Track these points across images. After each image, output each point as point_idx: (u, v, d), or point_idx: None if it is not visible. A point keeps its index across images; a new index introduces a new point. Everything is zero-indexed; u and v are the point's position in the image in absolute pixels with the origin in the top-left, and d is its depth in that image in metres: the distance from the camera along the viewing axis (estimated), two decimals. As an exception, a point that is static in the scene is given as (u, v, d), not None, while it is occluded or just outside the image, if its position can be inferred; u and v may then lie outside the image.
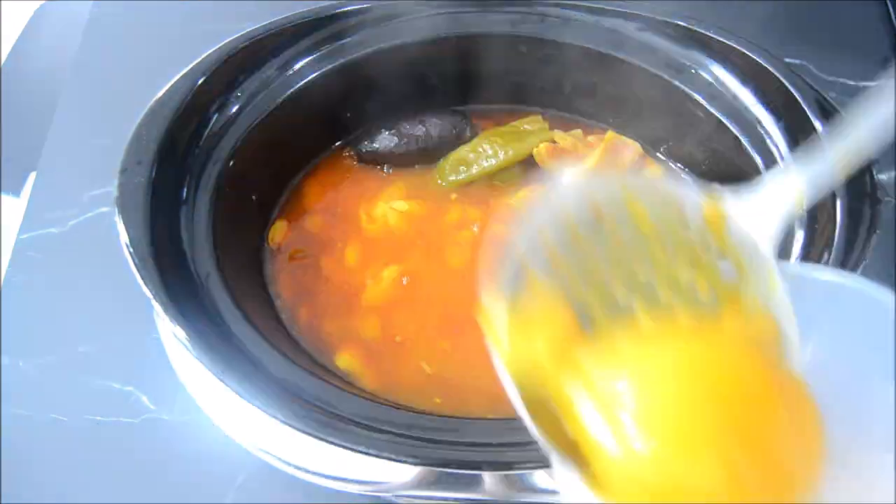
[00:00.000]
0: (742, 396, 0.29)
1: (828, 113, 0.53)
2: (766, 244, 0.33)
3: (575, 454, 0.30)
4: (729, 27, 0.58)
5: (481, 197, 0.65)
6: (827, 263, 0.48)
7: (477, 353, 0.56)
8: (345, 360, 0.56)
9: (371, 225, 0.63)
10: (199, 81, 0.55)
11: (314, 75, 0.61)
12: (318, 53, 0.61)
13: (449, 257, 0.61)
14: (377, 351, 0.57)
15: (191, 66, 0.55)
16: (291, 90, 0.60)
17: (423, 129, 0.66)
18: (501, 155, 0.64)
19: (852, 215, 0.50)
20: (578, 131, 0.67)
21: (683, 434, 0.28)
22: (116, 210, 0.49)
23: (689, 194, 0.34)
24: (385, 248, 0.62)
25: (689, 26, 0.59)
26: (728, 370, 0.29)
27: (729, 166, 0.60)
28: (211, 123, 0.56)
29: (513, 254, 0.34)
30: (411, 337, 0.57)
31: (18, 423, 0.61)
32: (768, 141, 0.57)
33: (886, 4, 0.85)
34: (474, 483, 0.49)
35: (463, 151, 0.65)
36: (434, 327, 0.58)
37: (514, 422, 0.46)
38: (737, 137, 0.58)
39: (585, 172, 0.41)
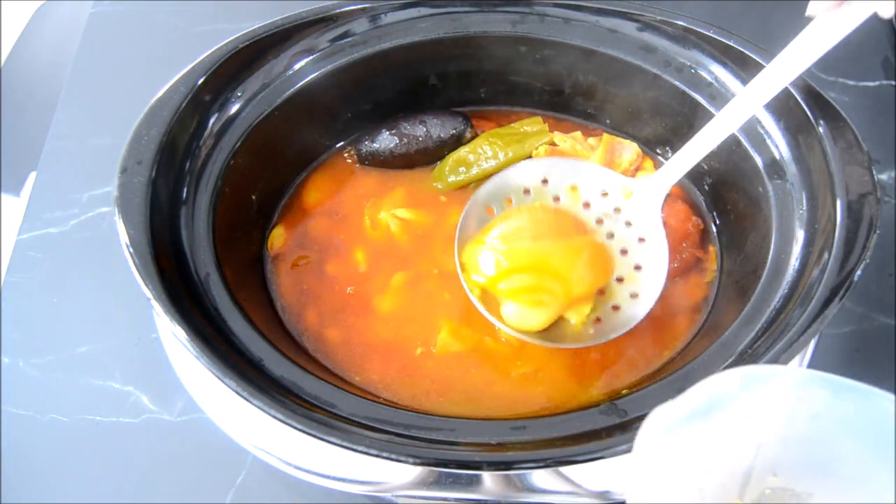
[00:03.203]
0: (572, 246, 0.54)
1: (828, 113, 0.53)
2: (656, 206, 0.57)
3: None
4: (729, 27, 0.58)
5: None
6: (827, 263, 0.49)
7: (479, 355, 0.57)
8: (354, 365, 0.56)
9: (375, 231, 0.63)
10: (199, 81, 0.55)
11: (314, 75, 0.61)
12: (318, 53, 0.61)
13: (452, 261, 0.61)
14: (387, 356, 0.57)
15: (191, 66, 0.55)
16: (291, 90, 0.60)
17: (424, 129, 0.66)
18: (501, 156, 0.64)
19: (852, 215, 0.50)
20: (578, 133, 0.67)
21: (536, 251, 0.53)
22: (116, 210, 0.49)
23: (616, 178, 0.58)
24: (388, 253, 0.62)
25: (689, 26, 0.59)
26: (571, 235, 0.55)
27: (729, 166, 0.60)
28: (211, 123, 0.56)
29: (479, 199, 0.58)
30: (421, 340, 0.57)
31: (18, 423, 0.62)
32: (768, 141, 0.57)
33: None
34: (474, 483, 0.49)
35: (463, 152, 0.65)
36: (440, 331, 0.58)
37: (514, 422, 0.46)
38: (737, 137, 0.58)
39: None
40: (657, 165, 0.67)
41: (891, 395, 0.36)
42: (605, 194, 0.58)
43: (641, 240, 0.57)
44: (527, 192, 0.58)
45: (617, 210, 0.58)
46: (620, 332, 0.54)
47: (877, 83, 0.81)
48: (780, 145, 0.56)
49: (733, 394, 0.38)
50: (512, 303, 0.54)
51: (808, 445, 0.39)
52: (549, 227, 0.54)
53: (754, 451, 0.39)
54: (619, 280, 0.56)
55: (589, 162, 0.62)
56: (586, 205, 0.58)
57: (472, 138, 0.67)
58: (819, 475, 0.39)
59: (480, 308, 0.54)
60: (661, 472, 0.37)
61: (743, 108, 0.53)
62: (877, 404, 0.37)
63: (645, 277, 0.56)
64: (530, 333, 0.54)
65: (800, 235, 0.53)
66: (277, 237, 0.63)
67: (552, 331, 0.55)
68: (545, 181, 0.58)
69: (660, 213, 0.57)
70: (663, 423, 0.37)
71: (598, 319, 0.55)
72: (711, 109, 0.59)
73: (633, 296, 0.55)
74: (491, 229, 0.55)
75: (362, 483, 0.49)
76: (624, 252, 0.57)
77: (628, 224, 0.57)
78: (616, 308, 0.55)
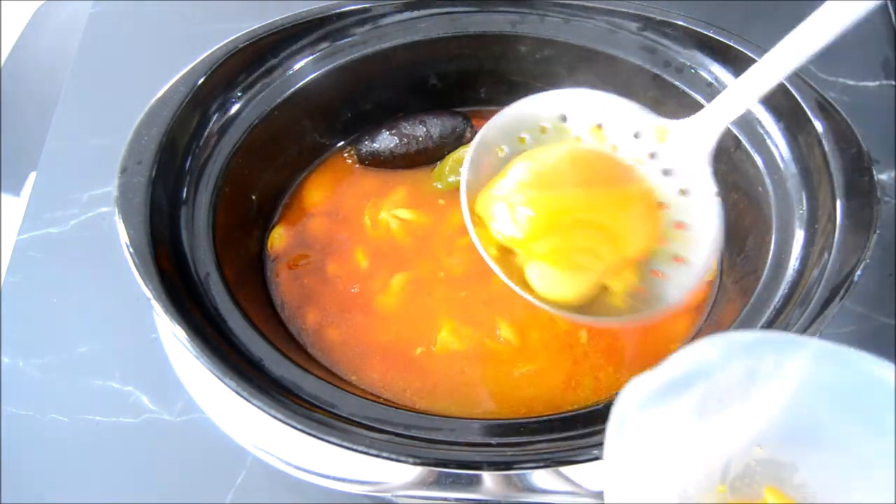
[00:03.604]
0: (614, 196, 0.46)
1: (828, 113, 0.53)
2: (703, 152, 0.47)
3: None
4: (728, 27, 0.58)
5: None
6: (827, 263, 0.48)
7: (479, 355, 0.57)
8: (354, 365, 0.56)
9: (375, 231, 0.63)
10: (199, 81, 0.55)
11: (314, 75, 0.61)
12: (318, 53, 0.61)
13: (452, 261, 0.61)
14: (387, 355, 0.57)
15: (191, 66, 0.55)
16: (291, 90, 0.60)
17: (424, 129, 0.66)
18: (501, 155, 0.64)
19: (852, 215, 0.49)
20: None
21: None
22: (116, 210, 0.49)
23: (648, 117, 0.49)
24: (388, 253, 0.62)
25: (689, 26, 0.59)
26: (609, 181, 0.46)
27: (729, 166, 0.60)
28: (211, 123, 0.56)
29: (488, 138, 0.50)
30: (422, 340, 0.57)
31: (18, 423, 0.62)
32: (768, 141, 0.57)
33: (886, 4, 0.85)
34: (474, 483, 0.49)
35: (463, 152, 0.65)
36: (440, 330, 0.58)
37: (514, 422, 0.46)
38: (737, 137, 0.58)
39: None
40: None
41: (872, 357, 0.35)
42: (636, 136, 0.48)
43: (683, 192, 0.48)
44: (544, 130, 0.50)
45: (651, 156, 0.48)
46: (668, 305, 0.46)
47: (877, 83, 0.81)
48: (780, 145, 0.56)
49: (715, 362, 0.36)
50: (542, 265, 0.45)
51: (792, 413, 0.37)
52: (591, 170, 0.45)
53: (738, 422, 0.37)
54: (658, 241, 0.48)
55: (616, 96, 0.50)
56: (613, 148, 0.49)
57: (473, 138, 0.66)
58: (805, 444, 0.38)
59: (498, 272, 0.46)
60: (639, 456, 0.36)
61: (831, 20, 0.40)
62: (860, 367, 0.35)
63: (691, 238, 0.47)
64: (561, 305, 0.45)
65: (800, 235, 0.53)
66: (278, 237, 0.63)
67: (586, 302, 0.47)
68: (564, 118, 0.49)
69: (709, 160, 0.47)
70: (639, 396, 0.35)
71: (640, 289, 0.47)
72: (711, 109, 0.59)
73: (677, 259, 0.47)
74: (514, 171, 0.45)
75: (362, 483, 0.49)
76: (661, 206, 0.48)
77: (666, 173, 0.48)
78: (656, 273, 0.47)
